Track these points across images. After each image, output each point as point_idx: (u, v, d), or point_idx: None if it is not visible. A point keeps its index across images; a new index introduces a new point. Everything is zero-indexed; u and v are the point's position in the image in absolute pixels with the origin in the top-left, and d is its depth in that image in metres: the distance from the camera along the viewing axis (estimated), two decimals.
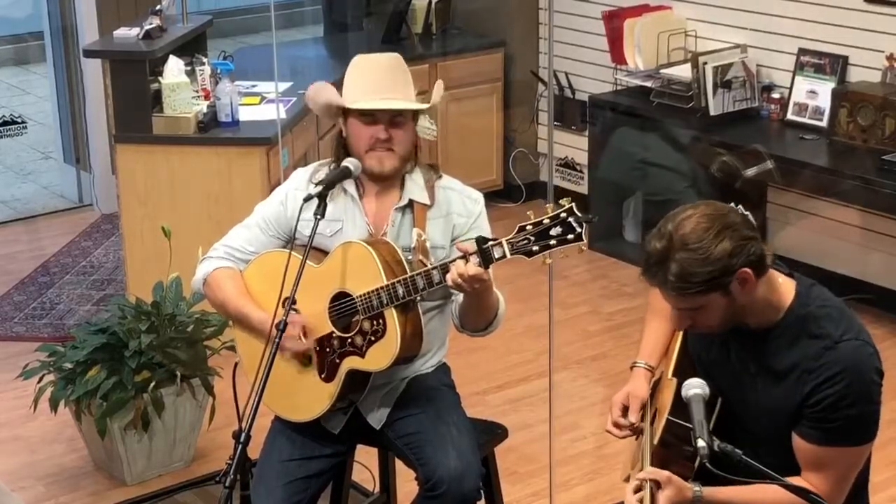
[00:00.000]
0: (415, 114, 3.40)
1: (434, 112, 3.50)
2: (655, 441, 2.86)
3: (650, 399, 3.11)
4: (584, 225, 3.02)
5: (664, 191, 6.24)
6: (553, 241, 3.02)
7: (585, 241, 3.02)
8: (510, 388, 5.23)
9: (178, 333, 4.48)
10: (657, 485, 2.71)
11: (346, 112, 3.38)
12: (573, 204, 3.03)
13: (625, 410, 3.07)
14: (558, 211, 3.02)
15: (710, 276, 2.66)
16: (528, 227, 3.04)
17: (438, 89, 3.44)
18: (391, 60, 3.40)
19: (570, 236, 3.01)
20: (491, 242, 3.06)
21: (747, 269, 2.68)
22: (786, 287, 2.82)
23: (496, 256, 3.06)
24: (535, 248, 3.03)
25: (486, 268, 3.07)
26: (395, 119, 3.33)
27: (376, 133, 3.32)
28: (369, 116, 3.33)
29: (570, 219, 3.01)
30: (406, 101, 3.34)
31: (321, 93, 3.44)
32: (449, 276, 3.10)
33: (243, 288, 3.43)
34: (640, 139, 6.35)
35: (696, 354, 2.98)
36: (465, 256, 3.08)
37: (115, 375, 4.35)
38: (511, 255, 3.05)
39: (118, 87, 5.32)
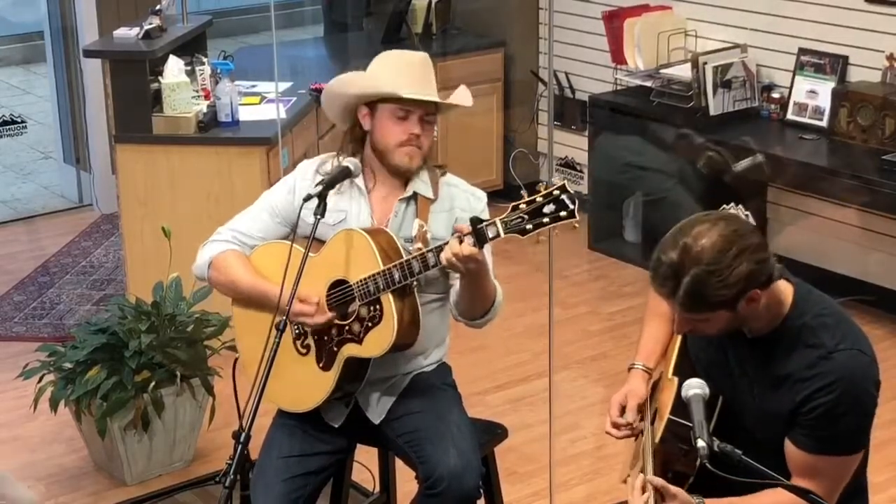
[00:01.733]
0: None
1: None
2: (657, 440, 2.86)
3: (650, 399, 3.11)
4: (577, 201, 3.04)
5: (654, 190, 6.27)
6: (546, 219, 3.05)
7: (578, 217, 3.05)
8: (510, 388, 5.23)
9: (178, 333, 4.48)
10: (661, 496, 2.70)
11: (371, 105, 3.37)
12: (566, 182, 3.07)
13: (623, 410, 3.07)
14: (551, 188, 3.06)
15: (723, 298, 2.65)
16: (522, 206, 3.07)
17: (465, 93, 3.43)
18: (424, 58, 3.41)
19: (563, 213, 3.05)
20: (485, 222, 3.09)
21: (757, 290, 2.68)
22: (784, 293, 2.80)
23: (490, 235, 3.09)
24: (529, 226, 3.06)
25: (481, 247, 3.10)
26: (427, 116, 3.35)
27: (411, 128, 3.33)
28: (405, 111, 3.33)
29: (563, 196, 3.05)
30: (447, 99, 3.37)
31: (354, 82, 3.40)
32: (443, 255, 3.13)
33: (252, 267, 3.42)
34: (624, 143, 6.37)
35: (694, 355, 2.98)
36: (459, 236, 3.10)
37: (115, 375, 4.35)
38: (505, 233, 3.08)
39: (118, 87, 5.32)
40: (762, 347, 2.81)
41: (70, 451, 4.79)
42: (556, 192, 3.05)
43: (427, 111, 3.35)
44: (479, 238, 3.09)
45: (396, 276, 3.21)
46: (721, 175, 5.68)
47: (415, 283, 3.24)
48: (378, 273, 3.22)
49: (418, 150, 3.35)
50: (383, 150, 3.37)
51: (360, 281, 3.25)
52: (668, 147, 6.07)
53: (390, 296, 3.23)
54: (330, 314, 3.30)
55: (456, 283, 3.32)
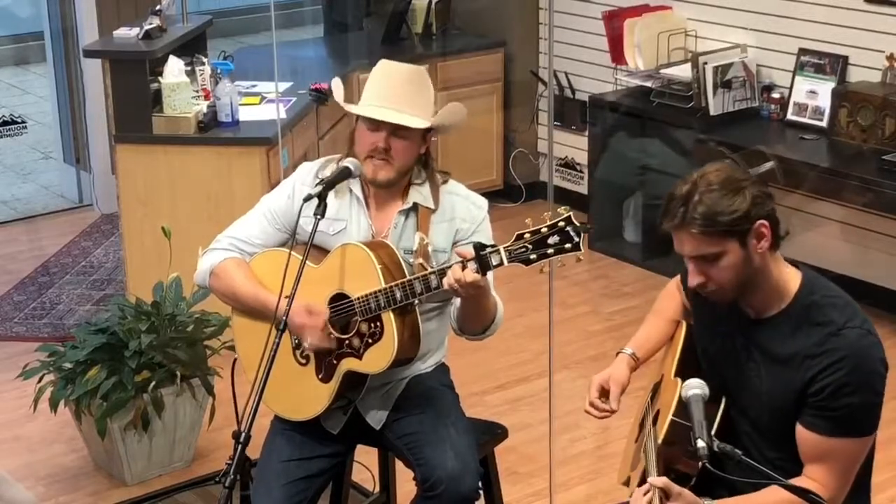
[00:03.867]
0: (426, 130, 3.36)
1: (443, 131, 3.47)
2: (660, 441, 2.86)
3: (651, 400, 3.11)
4: (582, 234, 3.02)
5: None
6: (550, 250, 3.02)
7: (583, 250, 3.03)
8: (510, 388, 5.23)
9: (178, 333, 4.48)
10: (665, 495, 2.70)
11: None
12: (571, 213, 3.03)
13: (603, 393, 3.10)
14: (556, 220, 3.02)
15: (733, 218, 2.72)
16: (526, 235, 3.04)
17: (451, 110, 3.42)
18: (412, 73, 3.37)
19: (568, 245, 3.01)
20: (489, 249, 3.06)
21: (765, 223, 2.74)
22: (792, 275, 2.86)
23: (493, 264, 3.06)
24: (533, 256, 3.03)
25: (484, 274, 3.07)
26: (398, 131, 3.30)
27: (377, 141, 3.30)
28: (374, 123, 3.31)
29: (568, 228, 3.01)
30: (413, 116, 3.30)
31: (335, 91, 3.46)
32: (445, 281, 3.11)
33: (253, 275, 3.41)
34: (640, 145, 6.35)
35: (701, 347, 3.00)
36: (462, 262, 3.08)
37: (115, 375, 4.35)
38: (508, 262, 3.05)
39: (118, 87, 5.32)
40: (770, 328, 2.84)
41: (70, 451, 4.80)
42: (561, 224, 3.01)
43: (398, 126, 3.29)
44: (483, 265, 3.06)
45: (398, 295, 3.19)
46: None
47: (416, 301, 3.23)
48: (380, 291, 3.20)
49: (386, 164, 3.31)
50: (357, 158, 3.35)
51: (362, 297, 3.23)
52: (686, 152, 6.04)
53: (391, 314, 3.21)
54: (332, 337, 3.27)
55: (457, 299, 3.31)
